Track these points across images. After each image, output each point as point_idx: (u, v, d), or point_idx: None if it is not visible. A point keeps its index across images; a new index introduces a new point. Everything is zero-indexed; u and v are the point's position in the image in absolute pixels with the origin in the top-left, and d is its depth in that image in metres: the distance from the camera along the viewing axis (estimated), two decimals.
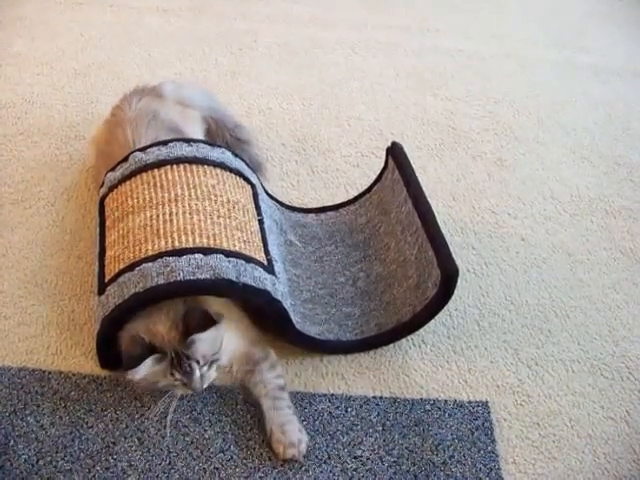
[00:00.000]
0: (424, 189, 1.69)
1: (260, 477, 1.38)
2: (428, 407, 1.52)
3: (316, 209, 1.90)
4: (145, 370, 1.33)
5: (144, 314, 1.38)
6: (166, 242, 1.42)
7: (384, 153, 1.85)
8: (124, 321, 1.40)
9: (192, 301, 1.39)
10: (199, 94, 2.02)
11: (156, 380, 1.37)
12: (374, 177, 1.89)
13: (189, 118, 1.87)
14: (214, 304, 1.42)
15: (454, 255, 1.52)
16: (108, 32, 2.59)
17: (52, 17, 2.64)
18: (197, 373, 1.36)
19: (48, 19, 2.63)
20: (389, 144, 1.84)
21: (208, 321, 1.34)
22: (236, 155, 1.70)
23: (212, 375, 1.41)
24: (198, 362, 1.35)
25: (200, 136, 1.85)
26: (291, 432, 1.41)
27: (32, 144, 2.08)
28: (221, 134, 1.97)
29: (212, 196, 1.53)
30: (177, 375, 1.35)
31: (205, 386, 1.40)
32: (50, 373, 1.52)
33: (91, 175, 1.93)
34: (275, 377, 1.48)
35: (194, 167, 1.58)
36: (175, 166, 1.58)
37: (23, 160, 2.03)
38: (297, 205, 1.92)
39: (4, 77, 2.34)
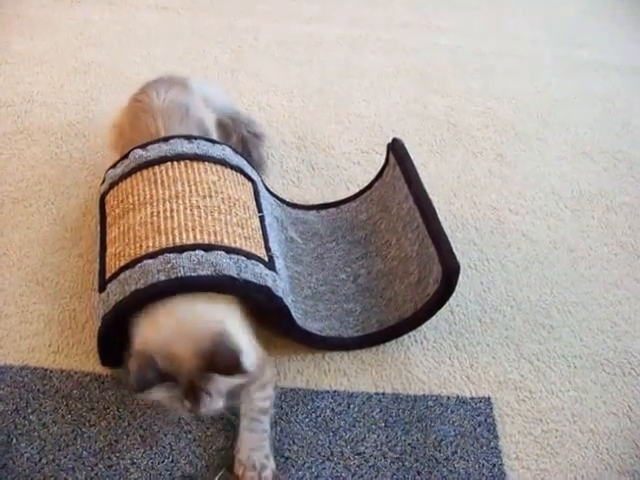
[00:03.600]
0: (425, 185, 1.69)
1: None
2: (430, 403, 1.52)
3: (317, 206, 1.89)
4: (156, 395, 1.27)
5: (161, 332, 1.30)
6: (167, 239, 1.42)
7: (384, 149, 1.85)
8: (125, 319, 1.40)
9: (220, 335, 1.29)
10: (218, 92, 2.01)
11: (163, 403, 1.31)
12: (375, 174, 1.89)
13: (210, 120, 1.85)
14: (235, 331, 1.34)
15: (455, 251, 1.52)
16: (107, 30, 2.59)
17: (51, 15, 2.64)
18: (209, 405, 1.28)
19: (47, 17, 2.63)
20: (390, 140, 1.84)
21: (237, 368, 1.26)
22: (237, 152, 1.70)
23: (221, 405, 1.31)
24: (210, 395, 1.27)
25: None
26: (256, 457, 1.36)
27: (32, 142, 2.08)
28: (237, 130, 1.96)
29: (213, 193, 1.53)
30: (187, 404, 1.27)
31: (212, 414, 1.35)
32: (52, 371, 1.51)
33: (110, 158, 1.85)
34: (261, 399, 1.42)
35: (195, 164, 1.58)
36: (176, 163, 1.57)
37: (23, 159, 2.02)
38: (298, 202, 1.92)
39: (3, 76, 2.34)
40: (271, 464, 1.38)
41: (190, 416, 1.37)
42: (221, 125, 1.94)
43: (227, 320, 1.35)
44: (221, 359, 1.25)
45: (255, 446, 1.38)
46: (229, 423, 1.44)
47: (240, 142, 1.95)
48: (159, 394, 1.27)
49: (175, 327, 1.30)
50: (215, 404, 1.29)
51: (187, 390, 1.26)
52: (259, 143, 1.99)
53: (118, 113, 1.86)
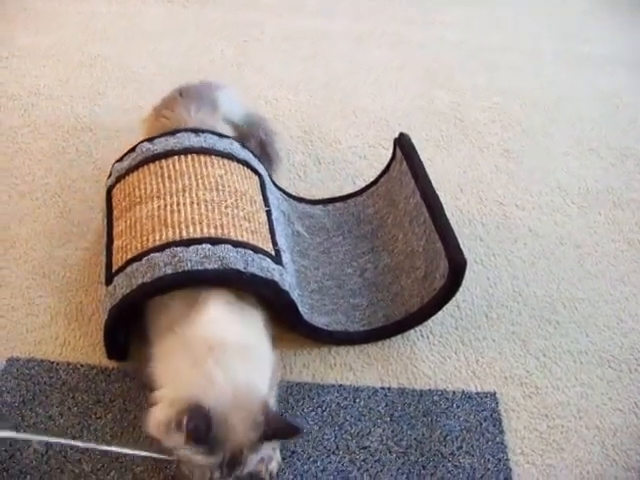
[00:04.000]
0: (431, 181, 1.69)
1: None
2: (436, 398, 1.52)
3: (323, 200, 1.90)
4: (187, 451, 1.18)
5: (218, 394, 1.21)
6: (174, 232, 1.42)
7: (390, 144, 1.85)
8: (131, 312, 1.41)
9: (267, 407, 1.22)
10: (238, 104, 1.99)
11: (189, 466, 1.23)
12: (381, 168, 1.89)
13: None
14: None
15: (462, 246, 1.52)
16: (114, 24, 2.60)
17: (57, 9, 2.64)
18: (241, 472, 1.23)
19: (53, 11, 2.63)
20: (396, 135, 1.84)
21: (293, 431, 1.24)
22: (244, 146, 1.70)
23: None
24: (243, 470, 1.22)
25: None
26: (263, 448, 1.29)
27: (39, 136, 2.08)
28: (255, 134, 1.94)
29: (220, 186, 1.53)
30: (216, 475, 1.20)
31: None
32: (58, 364, 1.52)
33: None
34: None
35: (202, 157, 1.58)
36: (183, 156, 1.57)
37: (30, 152, 2.03)
38: (304, 196, 1.92)
39: (10, 69, 2.34)
40: (277, 456, 1.38)
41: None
42: (239, 133, 1.91)
43: (265, 377, 1.31)
44: (277, 429, 1.21)
45: None
46: None
47: (258, 145, 1.92)
48: (195, 457, 1.19)
49: (233, 393, 1.21)
50: (246, 468, 1.24)
51: (229, 461, 1.19)
52: (273, 141, 1.98)
53: (142, 125, 1.85)
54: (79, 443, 1.29)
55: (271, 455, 1.36)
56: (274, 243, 1.52)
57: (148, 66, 2.39)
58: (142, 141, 1.63)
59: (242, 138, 1.84)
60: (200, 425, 1.15)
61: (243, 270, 1.38)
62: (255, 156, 1.71)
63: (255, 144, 1.89)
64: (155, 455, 1.29)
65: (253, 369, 1.28)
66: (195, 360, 1.26)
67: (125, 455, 1.35)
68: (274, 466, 1.36)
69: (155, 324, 1.39)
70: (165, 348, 1.33)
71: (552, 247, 1.88)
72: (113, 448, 1.29)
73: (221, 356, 1.26)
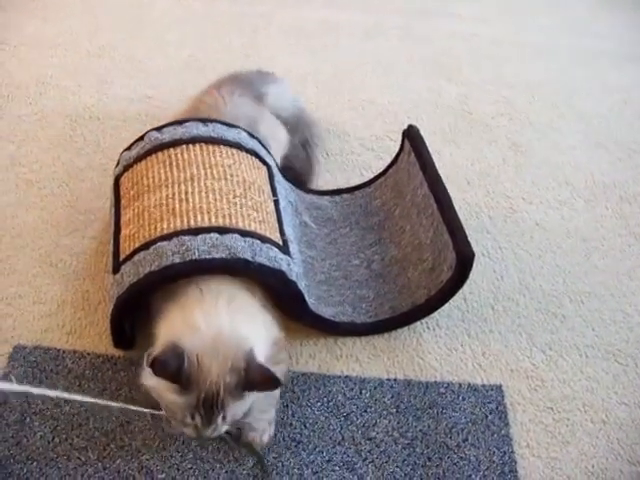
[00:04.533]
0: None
1: (274, 457, 1.39)
2: (442, 390, 1.52)
3: (331, 191, 1.89)
4: (166, 396, 1.24)
5: (197, 337, 1.25)
6: (182, 221, 1.42)
7: (398, 136, 1.85)
8: (138, 301, 1.41)
9: (250, 356, 1.25)
10: (288, 98, 2.01)
11: (170, 408, 1.26)
12: (389, 160, 1.89)
13: (277, 140, 1.84)
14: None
15: (469, 239, 1.51)
16: (121, 13, 2.59)
17: None
18: (219, 428, 1.25)
19: (61, 0, 2.62)
20: (404, 127, 1.83)
21: (272, 382, 1.24)
22: (252, 135, 1.69)
23: (224, 429, 1.29)
24: (224, 418, 1.24)
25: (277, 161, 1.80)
26: (261, 420, 1.38)
27: (46, 125, 2.08)
28: (301, 130, 1.96)
29: (228, 176, 1.53)
30: (197, 419, 1.23)
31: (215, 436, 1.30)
32: (65, 352, 1.52)
33: None
34: (276, 372, 1.34)
35: (210, 147, 1.58)
36: (191, 146, 1.57)
37: (37, 140, 2.03)
38: (312, 187, 1.91)
39: (18, 58, 2.34)
40: (271, 431, 1.40)
41: (191, 435, 1.28)
42: (286, 124, 1.94)
43: (256, 334, 1.33)
44: (255, 371, 1.22)
45: (263, 409, 1.39)
46: None
47: (300, 143, 1.94)
48: (171, 396, 1.23)
49: (213, 338, 1.25)
50: (223, 428, 1.26)
51: (204, 403, 1.21)
52: (316, 146, 1.99)
53: (187, 101, 1.88)
54: (79, 397, 1.31)
55: (265, 428, 1.40)
56: (282, 233, 1.52)
57: (156, 56, 2.39)
58: (150, 130, 1.63)
59: (290, 133, 1.89)
60: (170, 360, 1.20)
61: (251, 259, 1.38)
62: (263, 146, 1.71)
63: (299, 141, 1.92)
64: (150, 411, 1.34)
65: (241, 322, 1.31)
66: (185, 313, 1.31)
67: (123, 410, 1.37)
68: (266, 438, 1.40)
69: (161, 305, 1.39)
70: (165, 312, 1.35)
71: (559, 241, 1.88)
72: (112, 403, 1.34)
73: (209, 307, 1.32)
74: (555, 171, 2.10)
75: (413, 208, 1.71)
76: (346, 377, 1.53)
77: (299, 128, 1.96)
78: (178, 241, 1.38)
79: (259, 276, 1.41)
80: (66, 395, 1.30)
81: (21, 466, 1.33)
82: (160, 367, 1.20)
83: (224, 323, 1.29)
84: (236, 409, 1.25)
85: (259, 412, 1.36)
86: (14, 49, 2.37)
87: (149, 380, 1.26)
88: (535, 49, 2.63)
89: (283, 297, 1.49)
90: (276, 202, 1.58)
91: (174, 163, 1.54)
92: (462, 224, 1.55)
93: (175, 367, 1.20)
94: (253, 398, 1.27)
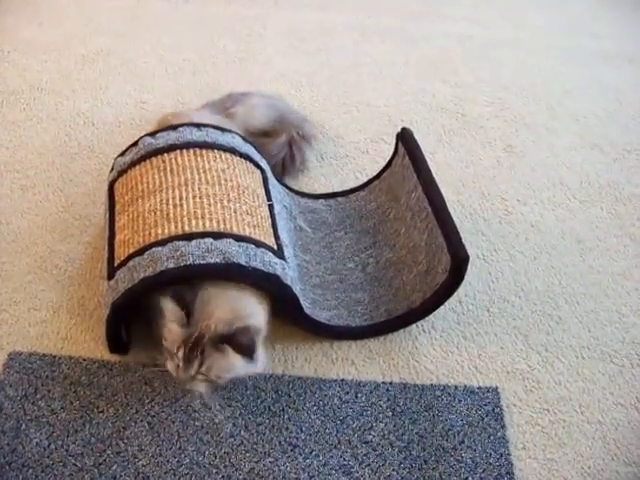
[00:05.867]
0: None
1: (270, 462, 1.38)
2: (438, 393, 1.52)
3: (326, 195, 1.89)
4: (172, 314, 1.35)
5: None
6: (176, 226, 1.42)
7: (393, 139, 1.85)
8: (133, 307, 1.41)
9: (248, 324, 1.38)
10: (260, 112, 2.04)
11: (168, 336, 1.35)
12: (383, 163, 1.89)
13: None
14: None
15: (464, 241, 1.51)
16: (116, 18, 2.59)
17: (60, 3, 2.64)
18: (194, 374, 1.35)
19: (56, 5, 2.63)
20: (399, 130, 1.83)
21: (247, 348, 1.35)
22: (246, 140, 1.70)
23: (203, 389, 1.39)
24: (201, 364, 1.34)
25: None
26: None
27: (41, 130, 2.08)
28: (287, 131, 1.98)
29: (222, 181, 1.53)
30: (179, 353, 1.33)
31: (190, 387, 1.39)
32: (60, 358, 1.52)
33: None
34: None
35: (204, 152, 1.58)
36: (185, 150, 1.57)
37: (32, 146, 2.03)
38: (307, 191, 1.92)
39: (12, 63, 2.34)
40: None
41: (172, 373, 1.37)
42: (267, 133, 1.98)
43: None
44: (241, 338, 1.33)
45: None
46: (237, 410, 1.45)
47: (288, 143, 1.96)
48: (174, 325, 1.34)
49: (224, 293, 1.38)
50: (199, 384, 1.37)
51: (194, 340, 1.32)
52: (305, 145, 2.01)
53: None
54: None
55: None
56: (276, 237, 1.52)
57: (151, 61, 2.39)
58: (144, 135, 1.63)
59: (274, 136, 1.94)
60: (182, 290, 1.35)
61: (245, 264, 1.38)
62: (258, 150, 1.71)
63: (285, 141, 1.95)
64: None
65: (254, 296, 1.43)
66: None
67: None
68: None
69: None
70: None
71: (554, 242, 1.88)
72: None
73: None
74: (550, 172, 2.10)
75: (408, 211, 1.71)
76: (342, 381, 1.52)
77: (284, 129, 1.98)
78: (172, 246, 1.38)
79: (254, 281, 1.41)
80: None
81: (17, 473, 1.33)
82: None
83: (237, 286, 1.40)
84: (214, 361, 1.33)
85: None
86: (8, 54, 2.37)
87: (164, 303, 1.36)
88: (529, 50, 2.63)
89: (278, 301, 1.49)
90: (270, 206, 1.58)
91: (168, 168, 1.54)
92: (456, 226, 1.55)
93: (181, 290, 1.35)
94: (235, 363, 1.35)
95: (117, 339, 1.49)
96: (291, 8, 2.73)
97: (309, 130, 2.05)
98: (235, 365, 1.36)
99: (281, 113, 2.05)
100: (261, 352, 1.41)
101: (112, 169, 1.67)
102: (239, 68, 2.40)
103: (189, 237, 1.40)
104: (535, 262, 1.82)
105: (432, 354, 1.59)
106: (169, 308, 1.35)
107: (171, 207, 1.46)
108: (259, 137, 1.93)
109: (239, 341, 1.33)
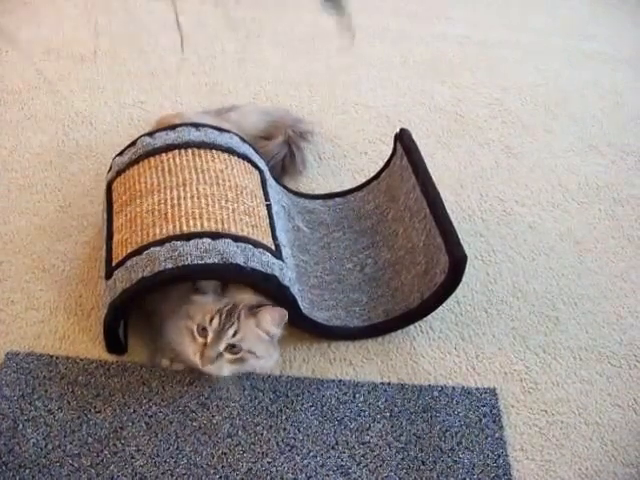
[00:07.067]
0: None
1: (268, 462, 1.38)
2: (436, 393, 1.51)
3: (324, 195, 1.89)
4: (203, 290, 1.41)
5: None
6: (174, 226, 1.42)
7: (391, 140, 1.85)
8: (131, 306, 1.41)
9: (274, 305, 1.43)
10: (251, 119, 2.04)
11: (193, 312, 1.38)
12: (381, 164, 1.89)
13: None
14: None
15: (462, 242, 1.51)
16: (114, 18, 2.59)
17: (58, 3, 2.64)
18: (221, 346, 1.36)
19: (54, 5, 2.62)
20: (397, 131, 1.83)
21: (282, 318, 1.41)
22: (244, 140, 1.70)
23: (225, 369, 1.40)
24: (235, 333, 1.36)
25: None
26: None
27: (39, 130, 2.08)
28: (283, 132, 1.99)
29: (220, 181, 1.53)
30: (214, 322, 1.35)
31: (213, 371, 1.39)
32: (58, 358, 1.51)
33: None
34: None
35: (202, 152, 1.58)
36: (183, 151, 1.57)
37: (30, 146, 2.02)
38: (305, 191, 1.92)
39: (10, 63, 2.34)
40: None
41: (193, 359, 1.38)
42: (264, 137, 1.98)
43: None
44: (278, 301, 1.42)
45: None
46: (235, 410, 1.44)
47: (286, 142, 1.97)
48: (205, 287, 1.41)
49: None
50: (224, 366, 1.38)
51: (227, 311, 1.36)
52: (303, 143, 2.01)
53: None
54: None
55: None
56: (274, 238, 1.52)
57: (148, 61, 2.39)
58: (142, 135, 1.63)
59: (271, 138, 1.94)
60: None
61: (243, 265, 1.38)
62: (256, 151, 1.71)
63: (282, 142, 1.95)
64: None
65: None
66: None
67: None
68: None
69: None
70: None
71: (552, 243, 1.88)
72: None
73: None
74: (548, 174, 2.10)
75: (406, 211, 1.71)
76: (340, 381, 1.52)
77: (280, 130, 1.98)
78: (170, 246, 1.38)
79: (252, 281, 1.41)
80: None
81: (14, 473, 1.32)
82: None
83: None
84: (248, 330, 1.37)
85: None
86: (6, 54, 2.37)
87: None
88: (528, 51, 2.63)
89: (276, 302, 1.48)
90: (269, 207, 1.58)
91: (166, 168, 1.54)
92: (454, 227, 1.54)
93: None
94: (269, 330, 1.41)
95: (115, 339, 1.48)
96: (289, 9, 2.73)
97: (304, 127, 2.05)
98: (269, 333, 1.41)
99: (275, 117, 2.05)
100: (276, 349, 1.45)
101: (110, 169, 1.67)
102: (237, 69, 2.40)
103: (187, 237, 1.39)
104: (533, 263, 1.82)
105: (430, 355, 1.59)
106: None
107: (169, 207, 1.46)
108: (256, 141, 1.93)
109: (278, 299, 1.42)
